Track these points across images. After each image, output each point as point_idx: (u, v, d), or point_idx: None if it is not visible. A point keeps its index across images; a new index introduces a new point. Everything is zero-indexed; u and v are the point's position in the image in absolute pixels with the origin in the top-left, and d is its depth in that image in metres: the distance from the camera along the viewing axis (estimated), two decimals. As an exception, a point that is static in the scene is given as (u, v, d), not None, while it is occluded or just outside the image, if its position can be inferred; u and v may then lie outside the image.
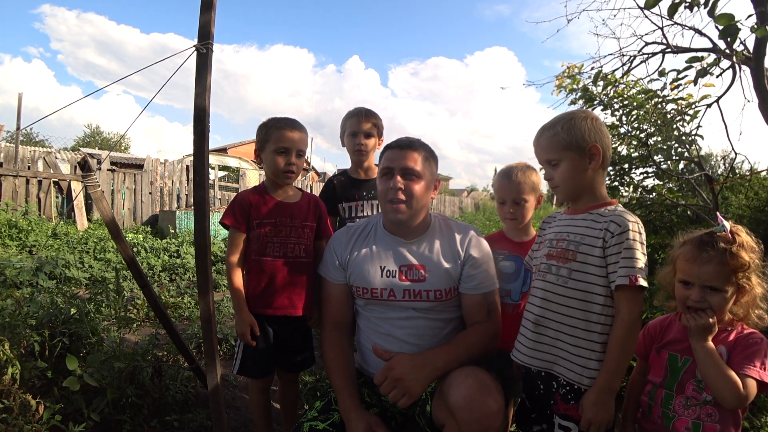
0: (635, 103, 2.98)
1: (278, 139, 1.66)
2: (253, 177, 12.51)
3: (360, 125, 2.12)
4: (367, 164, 2.19)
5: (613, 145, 3.18)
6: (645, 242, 1.25)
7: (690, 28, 2.74)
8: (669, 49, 2.97)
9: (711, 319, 1.18)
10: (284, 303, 1.66)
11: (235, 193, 12.05)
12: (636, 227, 1.23)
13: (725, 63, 2.59)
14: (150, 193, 9.83)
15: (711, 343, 1.19)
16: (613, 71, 3.23)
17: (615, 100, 3.11)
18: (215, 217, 8.36)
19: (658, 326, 1.39)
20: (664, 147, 2.98)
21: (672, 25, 2.78)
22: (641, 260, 1.20)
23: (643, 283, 1.18)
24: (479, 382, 1.24)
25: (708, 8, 2.10)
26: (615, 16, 3.96)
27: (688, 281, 1.24)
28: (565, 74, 3.41)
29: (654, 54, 3.11)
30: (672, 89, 2.94)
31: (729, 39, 2.13)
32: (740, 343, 1.21)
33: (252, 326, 1.61)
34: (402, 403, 1.29)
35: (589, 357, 1.26)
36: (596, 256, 1.26)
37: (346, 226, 1.70)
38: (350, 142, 2.16)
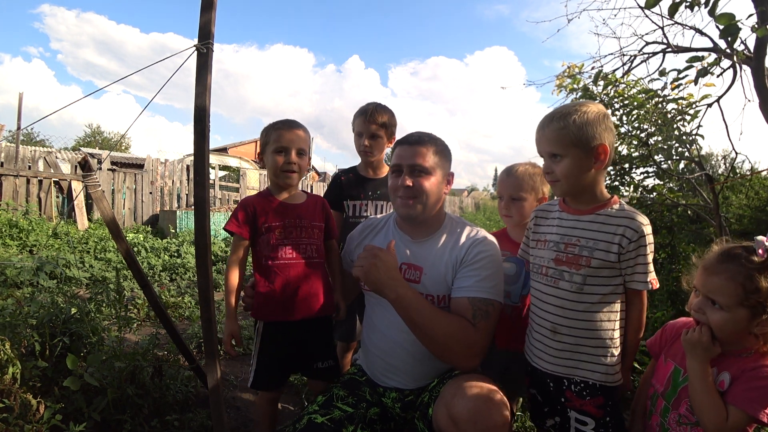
0: (636, 103, 2.98)
1: (276, 138, 1.64)
2: (253, 177, 12.51)
3: (366, 126, 2.06)
4: (375, 163, 2.15)
5: (614, 145, 3.19)
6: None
7: (690, 27, 2.74)
8: (669, 49, 2.97)
9: (704, 337, 1.10)
10: (301, 306, 1.61)
11: (235, 193, 12.07)
12: (649, 230, 1.26)
13: (726, 63, 2.59)
14: (150, 193, 9.83)
15: (703, 364, 1.12)
16: (614, 71, 3.23)
17: (615, 99, 3.11)
18: (216, 217, 8.37)
19: (674, 330, 1.32)
20: (665, 147, 2.98)
21: (672, 24, 2.78)
22: (652, 263, 1.27)
23: (657, 284, 1.27)
24: (484, 394, 1.22)
25: (708, 8, 2.10)
26: (615, 15, 3.95)
27: (697, 288, 1.17)
28: (566, 74, 3.41)
29: (654, 54, 3.11)
30: (672, 89, 2.94)
31: (729, 39, 2.12)
32: (746, 374, 1.09)
33: (233, 336, 1.59)
34: (354, 272, 1.38)
35: (610, 355, 1.29)
36: (612, 261, 1.26)
37: (367, 219, 1.73)
38: (357, 142, 2.12)
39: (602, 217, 1.29)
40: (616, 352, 1.29)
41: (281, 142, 1.64)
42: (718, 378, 1.12)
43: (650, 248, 1.25)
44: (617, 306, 1.29)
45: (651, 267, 1.25)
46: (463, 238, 1.49)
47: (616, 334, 1.29)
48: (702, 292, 1.14)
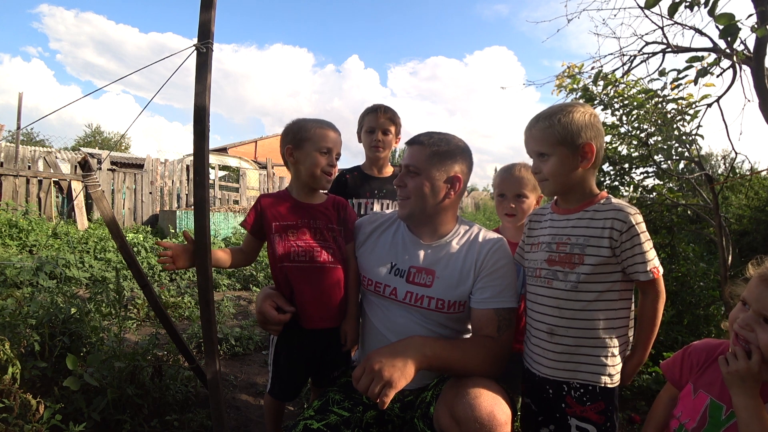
0: (635, 103, 2.98)
1: (322, 137, 1.54)
2: (253, 177, 12.52)
3: (378, 121, 2.09)
4: (381, 162, 2.15)
5: (613, 145, 3.19)
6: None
7: (690, 27, 2.74)
8: (669, 49, 2.96)
9: (754, 366, 0.95)
10: (313, 314, 1.53)
11: (235, 193, 12.07)
12: (638, 218, 1.24)
13: (726, 63, 2.59)
14: (150, 193, 9.84)
15: (755, 399, 0.96)
16: (614, 71, 3.23)
17: (615, 99, 3.11)
18: (215, 217, 8.37)
19: (703, 354, 1.17)
20: (665, 147, 2.98)
21: (672, 24, 2.78)
22: (652, 249, 1.23)
23: (662, 270, 1.24)
24: (487, 392, 1.21)
25: (708, 8, 2.10)
26: (615, 15, 3.95)
27: (746, 301, 1.03)
28: (565, 74, 3.41)
29: (654, 54, 3.10)
30: (672, 89, 2.93)
31: (729, 39, 2.12)
32: None
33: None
34: (384, 398, 1.12)
35: (612, 354, 1.27)
36: (605, 255, 1.23)
37: (372, 213, 1.71)
38: (367, 138, 2.12)
39: (590, 213, 1.29)
40: (617, 351, 1.27)
41: (327, 142, 1.54)
42: None
43: (645, 236, 1.22)
44: (616, 304, 1.27)
45: (651, 255, 1.22)
46: (479, 243, 1.46)
47: (616, 333, 1.27)
48: (754, 308, 1.00)
